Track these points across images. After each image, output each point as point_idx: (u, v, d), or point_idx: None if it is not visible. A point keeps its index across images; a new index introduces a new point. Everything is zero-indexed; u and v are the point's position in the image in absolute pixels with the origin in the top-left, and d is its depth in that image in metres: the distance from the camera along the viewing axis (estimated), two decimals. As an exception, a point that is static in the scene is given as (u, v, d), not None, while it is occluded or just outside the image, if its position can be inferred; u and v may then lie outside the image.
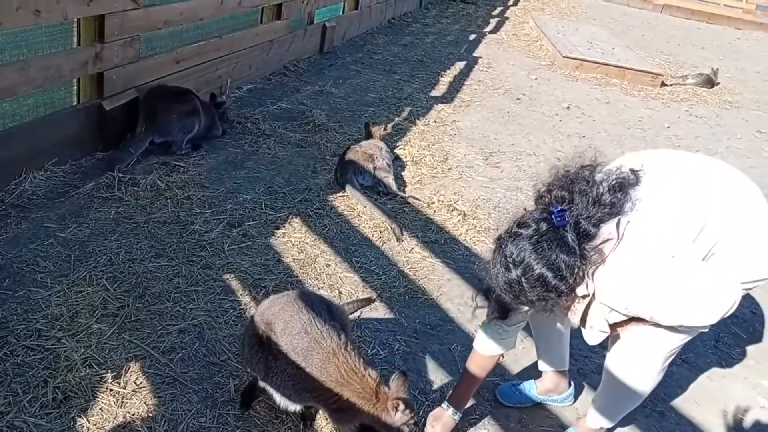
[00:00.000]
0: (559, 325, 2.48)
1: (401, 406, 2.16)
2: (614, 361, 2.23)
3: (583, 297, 1.88)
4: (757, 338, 3.47)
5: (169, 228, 3.45)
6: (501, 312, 2.11)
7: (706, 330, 2.08)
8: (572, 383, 2.72)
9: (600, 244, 1.81)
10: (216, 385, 2.53)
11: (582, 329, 2.03)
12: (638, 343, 2.11)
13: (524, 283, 1.81)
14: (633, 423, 2.67)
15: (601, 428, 2.46)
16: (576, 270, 1.78)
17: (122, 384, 2.46)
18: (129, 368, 2.53)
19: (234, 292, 3.07)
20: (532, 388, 2.70)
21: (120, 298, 2.88)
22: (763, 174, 5.69)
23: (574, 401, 2.74)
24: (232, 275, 3.17)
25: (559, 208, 1.79)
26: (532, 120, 6.39)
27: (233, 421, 2.38)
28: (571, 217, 1.77)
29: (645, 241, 1.81)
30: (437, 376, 2.78)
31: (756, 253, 1.90)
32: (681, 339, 2.07)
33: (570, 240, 1.76)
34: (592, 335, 1.98)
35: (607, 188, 1.80)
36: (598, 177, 1.84)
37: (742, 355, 3.29)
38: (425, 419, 2.46)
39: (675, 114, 7.51)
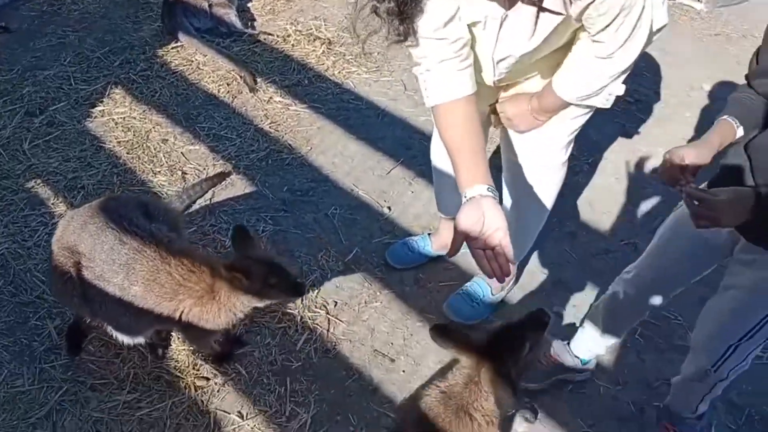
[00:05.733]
0: None
1: (239, 275, 1.64)
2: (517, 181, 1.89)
3: None
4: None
5: (-56, 135, 2.66)
6: (400, 20, 1.34)
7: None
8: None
9: None
10: (32, 332, 1.99)
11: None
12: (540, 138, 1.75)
13: None
14: (544, 244, 2.36)
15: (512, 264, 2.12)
16: None
17: None
18: None
19: (43, 202, 2.41)
20: (426, 244, 2.29)
21: None
22: None
23: (476, 245, 2.36)
24: (39, 181, 2.48)
25: None
26: None
27: (60, 375, 1.88)
28: None
29: None
30: (316, 250, 2.32)
31: None
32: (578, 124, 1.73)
33: None
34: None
35: None
36: None
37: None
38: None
39: None
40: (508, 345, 1.38)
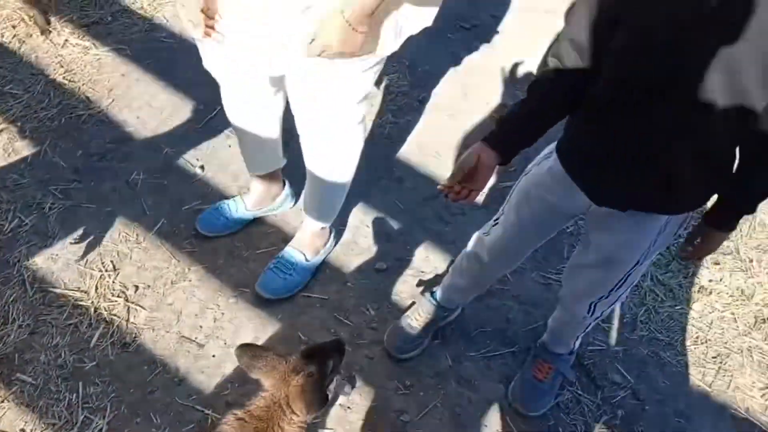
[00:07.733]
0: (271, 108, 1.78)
1: None
2: (313, 141, 1.75)
3: None
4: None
5: None
6: None
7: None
8: (285, 180, 2.14)
9: None
10: None
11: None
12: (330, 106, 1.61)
13: None
14: (370, 194, 2.25)
15: (323, 228, 2.00)
16: None
17: None
18: None
19: None
20: (238, 207, 2.11)
21: None
22: None
23: (295, 201, 2.20)
24: None
25: None
26: None
27: None
28: None
29: None
30: (113, 227, 2.08)
31: None
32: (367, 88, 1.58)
33: None
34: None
35: None
36: None
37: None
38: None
39: None
40: (317, 358, 1.35)
